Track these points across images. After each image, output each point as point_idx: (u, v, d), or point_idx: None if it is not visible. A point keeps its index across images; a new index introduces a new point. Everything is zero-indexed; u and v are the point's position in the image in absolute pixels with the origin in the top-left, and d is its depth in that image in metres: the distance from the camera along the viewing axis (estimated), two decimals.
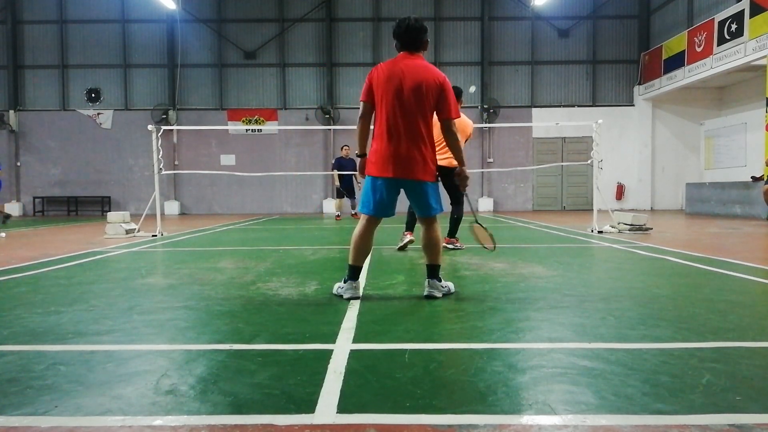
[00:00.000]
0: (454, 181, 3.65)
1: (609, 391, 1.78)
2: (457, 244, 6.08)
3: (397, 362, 2.12)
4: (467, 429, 1.52)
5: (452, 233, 6.09)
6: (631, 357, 2.15)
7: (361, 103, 3.30)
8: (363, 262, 3.43)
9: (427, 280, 3.39)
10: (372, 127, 3.34)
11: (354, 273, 3.37)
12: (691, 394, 1.75)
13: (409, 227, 6.15)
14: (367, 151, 3.38)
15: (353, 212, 13.04)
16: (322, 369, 2.02)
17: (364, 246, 3.36)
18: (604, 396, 1.74)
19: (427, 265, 3.41)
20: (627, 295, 3.42)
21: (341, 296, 3.35)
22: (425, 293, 3.35)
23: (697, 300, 3.26)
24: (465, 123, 5.94)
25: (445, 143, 5.57)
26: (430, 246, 3.40)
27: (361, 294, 3.37)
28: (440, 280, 3.42)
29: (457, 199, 6.00)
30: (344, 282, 3.40)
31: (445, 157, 5.63)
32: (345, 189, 12.79)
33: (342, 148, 12.98)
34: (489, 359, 2.14)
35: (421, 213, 3.39)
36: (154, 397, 1.77)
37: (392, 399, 1.74)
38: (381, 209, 3.32)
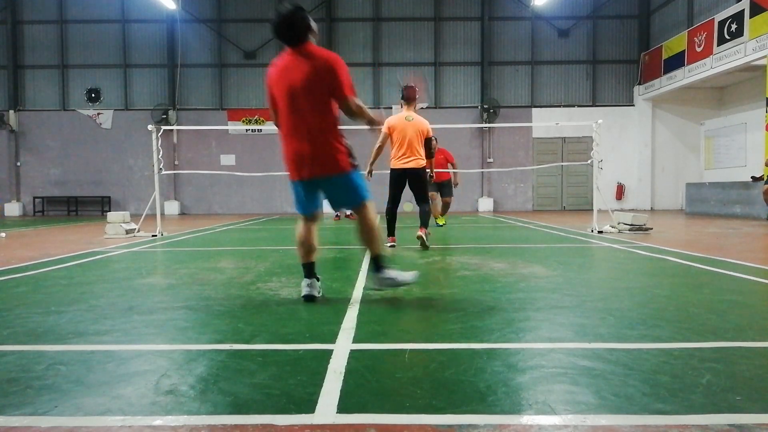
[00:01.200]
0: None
1: (609, 391, 1.78)
2: (423, 234, 6.09)
3: (397, 362, 2.12)
4: (467, 429, 1.52)
5: (424, 224, 6.18)
6: (631, 357, 2.15)
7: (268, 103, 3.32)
8: (310, 259, 3.31)
9: (372, 274, 3.29)
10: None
11: (307, 271, 3.30)
12: (691, 394, 1.75)
13: (390, 233, 6.27)
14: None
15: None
16: (322, 369, 2.02)
17: (304, 244, 3.30)
18: (604, 396, 1.74)
19: (371, 258, 3.30)
20: (627, 295, 3.42)
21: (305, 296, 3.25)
22: (374, 286, 3.31)
23: (697, 300, 3.26)
24: (422, 123, 6.10)
25: (409, 151, 5.76)
26: (367, 236, 3.28)
27: (318, 293, 3.28)
28: (385, 269, 3.26)
29: (423, 199, 6.15)
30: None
31: (411, 159, 5.98)
32: None
33: None
34: (489, 359, 2.14)
35: (348, 205, 3.33)
36: (154, 397, 1.77)
37: (392, 399, 1.74)
38: (306, 208, 3.30)
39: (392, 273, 3.29)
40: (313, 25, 3.15)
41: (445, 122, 17.23)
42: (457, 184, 10.77)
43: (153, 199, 8.54)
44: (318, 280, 3.36)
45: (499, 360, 2.13)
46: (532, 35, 18.72)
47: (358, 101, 3.16)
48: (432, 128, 6.25)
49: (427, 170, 6.83)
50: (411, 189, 6.14)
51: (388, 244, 6.17)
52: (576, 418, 1.58)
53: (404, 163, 6.01)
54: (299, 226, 3.33)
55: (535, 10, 17.96)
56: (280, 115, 3.22)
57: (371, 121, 3.36)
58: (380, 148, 6.09)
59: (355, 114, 3.18)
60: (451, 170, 10.81)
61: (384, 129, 5.99)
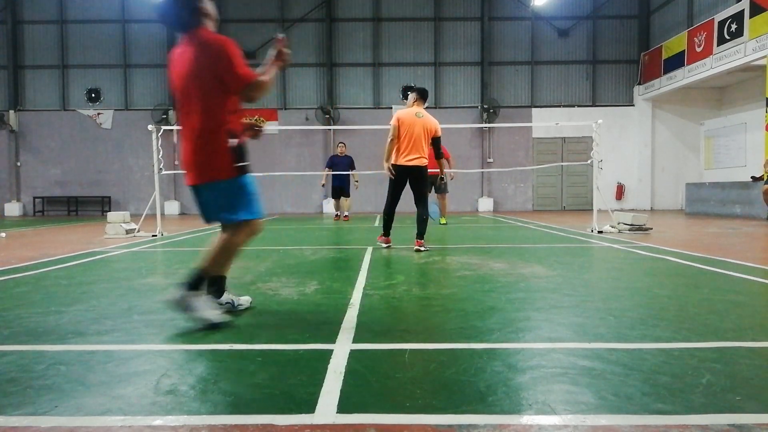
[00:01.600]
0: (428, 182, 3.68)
1: (609, 391, 1.78)
2: (422, 248, 5.86)
3: (397, 362, 2.12)
4: (467, 429, 1.52)
5: (421, 235, 5.93)
6: (631, 357, 2.15)
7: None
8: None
9: (179, 287, 2.65)
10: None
11: (208, 284, 2.83)
12: (691, 394, 1.75)
13: (386, 232, 6.24)
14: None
15: (345, 213, 12.62)
16: (322, 369, 2.02)
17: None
18: (604, 396, 1.74)
19: (196, 271, 2.68)
20: (627, 295, 3.42)
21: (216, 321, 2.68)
22: (171, 302, 2.66)
23: (697, 300, 3.26)
24: (432, 121, 6.05)
25: (414, 148, 5.64)
26: (217, 254, 2.71)
27: (219, 318, 2.69)
28: (196, 296, 2.64)
29: (422, 201, 5.96)
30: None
31: (415, 157, 5.85)
32: (338, 187, 12.15)
33: (338, 145, 12.70)
34: (489, 359, 2.14)
35: (227, 219, 2.73)
36: (154, 397, 1.77)
37: (392, 399, 1.74)
38: (203, 216, 2.84)
39: (200, 305, 2.64)
40: (208, 7, 2.71)
41: (445, 122, 17.19)
42: (453, 177, 10.69)
43: (153, 199, 8.54)
44: (221, 292, 2.89)
45: (499, 360, 2.13)
46: (532, 35, 18.72)
47: (258, 77, 2.64)
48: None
49: (441, 176, 6.92)
50: (411, 188, 6.00)
51: (383, 245, 6.13)
52: (576, 418, 1.58)
53: (408, 160, 5.85)
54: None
55: (535, 10, 17.96)
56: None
57: (279, 65, 2.77)
58: (393, 142, 5.91)
59: (256, 89, 2.64)
60: (451, 169, 10.84)
61: (393, 122, 5.94)
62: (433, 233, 8.64)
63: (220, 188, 2.68)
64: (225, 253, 2.74)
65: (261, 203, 2.81)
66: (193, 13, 2.66)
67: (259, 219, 2.79)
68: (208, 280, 2.78)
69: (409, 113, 5.93)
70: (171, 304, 2.65)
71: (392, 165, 5.92)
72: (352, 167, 12.12)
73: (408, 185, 6.02)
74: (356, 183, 12.56)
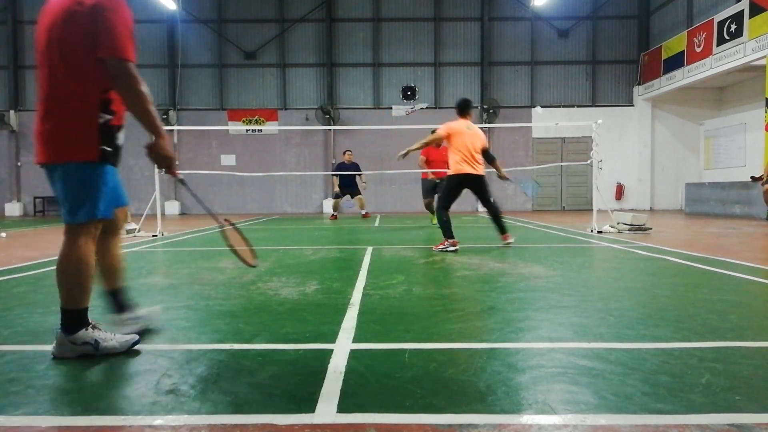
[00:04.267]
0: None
1: (609, 390, 1.78)
2: (511, 240, 6.44)
3: (397, 362, 2.12)
4: (467, 429, 1.52)
5: (503, 230, 6.45)
6: (631, 357, 2.15)
7: None
8: (110, 285, 2.52)
9: (59, 334, 2.17)
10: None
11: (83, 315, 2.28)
12: (691, 394, 1.75)
13: (450, 234, 6.18)
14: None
15: (364, 212, 13.27)
16: (322, 369, 2.02)
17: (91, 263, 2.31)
18: (604, 396, 1.74)
19: (64, 311, 2.21)
20: (627, 295, 3.42)
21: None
22: (56, 352, 2.17)
23: (697, 300, 3.26)
24: (480, 133, 6.30)
25: (472, 157, 5.99)
26: (65, 276, 2.22)
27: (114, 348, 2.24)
28: (81, 328, 2.17)
29: (488, 200, 6.40)
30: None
31: (476, 165, 6.16)
32: (347, 190, 12.88)
33: (344, 153, 13.13)
34: (489, 359, 2.14)
35: (64, 213, 2.28)
36: (155, 397, 1.77)
37: (392, 399, 1.74)
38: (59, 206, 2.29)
39: (98, 335, 2.19)
40: None
41: (445, 122, 17.24)
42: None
43: (153, 199, 8.53)
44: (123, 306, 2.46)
45: (499, 360, 2.14)
46: (531, 35, 18.72)
47: (141, 83, 2.17)
48: (430, 128, 6.44)
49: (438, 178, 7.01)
50: (476, 193, 6.39)
51: (451, 249, 5.97)
52: (576, 418, 1.58)
53: (472, 168, 6.12)
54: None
55: (535, 11, 17.95)
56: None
57: (155, 129, 2.31)
58: (426, 144, 6.28)
59: (128, 88, 2.14)
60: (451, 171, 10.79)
61: (442, 132, 6.16)
62: (433, 233, 8.64)
63: (73, 172, 2.16)
64: (74, 275, 2.18)
65: (110, 200, 2.28)
66: None
67: (102, 220, 2.27)
68: (109, 299, 2.41)
69: (461, 125, 6.19)
70: (59, 357, 2.15)
71: (456, 174, 6.17)
72: (359, 174, 12.82)
73: (472, 192, 6.40)
74: (364, 184, 13.10)
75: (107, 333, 2.24)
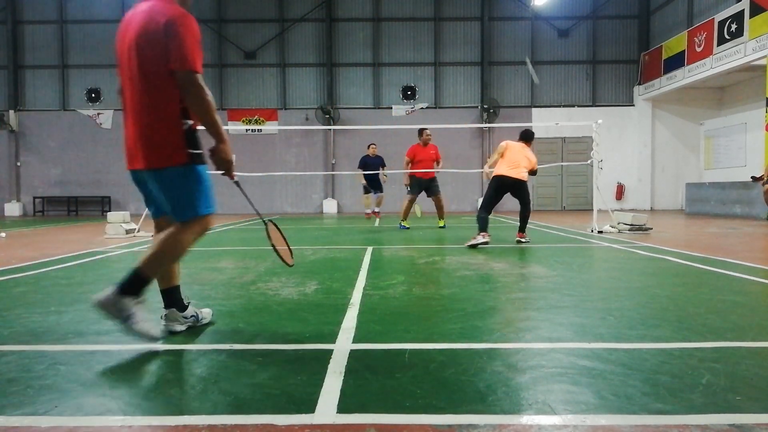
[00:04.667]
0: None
1: (609, 391, 1.78)
2: (524, 239, 6.86)
3: (397, 362, 2.12)
4: (467, 429, 1.52)
5: (522, 229, 6.90)
6: (631, 357, 2.15)
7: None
8: (169, 283, 2.60)
9: (113, 289, 2.29)
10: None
11: (166, 299, 2.63)
12: (691, 394, 1.75)
13: (483, 227, 6.42)
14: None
15: (375, 210, 12.94)
16: (322, 369, 2.02)
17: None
18: (604, 396, 1.74)
19: (134, 272, 2.34)
20: (627, 295, 3.42)
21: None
22: (98, 304, 2.28)
23: (697, 300, 3.26)
24: (533, 155, 6.93)
25: (517, 165, 6.53)
26: (161, 252, 2.35)
27: (182, 327, 2.58)
28: (135, 301, 2.28)
29: (525, 203, 6.87)
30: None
31: (519, 171, 6.64)
32: (371, 185, 12.65)
33: (369, 147, 12.81)
34: (489, 359, 2.14)
35: (174, 213, 2.40)
36: (154, 397, 1.77)
37: (392, 399, 1.74)
38: (150, 208, 2.59)
39: (138, 313, 2.26)
40: None
41: (445, 122, 17.23)
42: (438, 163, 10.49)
43: None
44: (186, 306, 2.62)
45: (499, 360, 2.13)
46: (532, 35, 18.71)
47: (207, 93, 2.34)
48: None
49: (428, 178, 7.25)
50: (515, 196, 6.81)
51: (481, 240, 6.24)
52: (576, 418, 1.58)
53: (514, 171, 6.60)
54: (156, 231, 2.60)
55: (535, 10, 17.95)
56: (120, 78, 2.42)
57: (218, 135, 2.44)
58: (494, 162, 6.86)
59: (191, 95, 2.30)
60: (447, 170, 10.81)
61: (502, 145, 6.85)
62: (434, 234, 8.64)
63: (170, 176, 2.34)
64: (170, 253, 2.36)
65: (214, 196, 2.47)
66: None
67: (212, 215, 2.46)
68: (166, 293, 2.55)
69: (516, 144, 6.91)
70: (98, 307, 2.24)
71: (496, 175, 6.71)
72: (383, 166, 12.50)
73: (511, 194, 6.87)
74: (385, 177, 12.81)
75: (200, 309, 2.70)
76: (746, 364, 2.05)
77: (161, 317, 2.57)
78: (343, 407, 1.67)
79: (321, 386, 1.84)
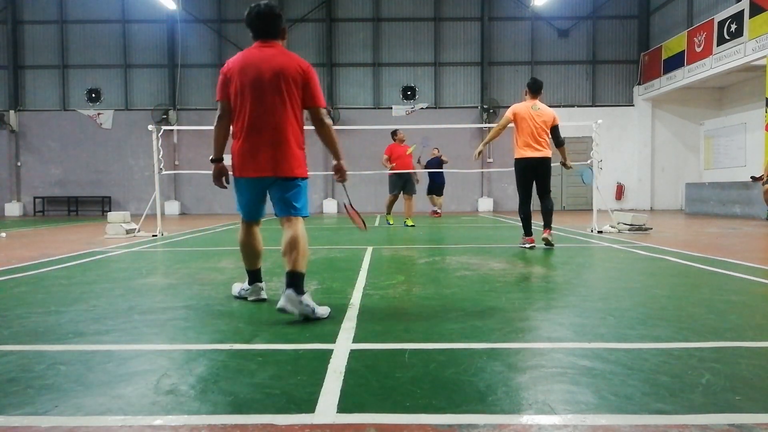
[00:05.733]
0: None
1: (609, 390, 1.78)
2: (552, 237, 6.17)
3: (397, 362, 2.12)
4: (467, 429, 1.52)
5: (549, 225, 6.20)
6: (631, 357, 2.15)
7: (218, 102, 3.04)
8: (256, 265, 3.31)
9: (286, 290, 2.78)
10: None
11: (253, 277, 3.30)
12: (691, 394, 1.75)
13: (528, 232, 6.13)
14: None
15: (435, 210, 13.58)
16: (322, 369, 2.02)
17: (249, 251, 3.26)
18: (604, 396, 1.74)
19: (287, 272, 2.83)
20: (627, 295, 3.42)
21: (244, 298, 3.29)
22: (278, 306, 2.79)
23: (697, 300, 3.26)
24: (548, 112, 6.13)
25: (535, 140, 5.90)
26: (293, 248, 2.89)
27: (265, 296, 3.29)
28: (303, 293, 2.80)
29: (547, 192, 6.20)
30: (249, 285, 3.33)
31: (539, 149, 6.00)
32: (437, 186, 13.32)
33: (433, 150, 13.49)
34: (489, 359, 2.14)
35: (286, 212, 3.02)
36: (155, 397, 1.77)
37: (392, 399, 1.74)
38: (249, 212, 3.18)
39: (310, 301, 2.82)
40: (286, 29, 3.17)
41: (445, 122, 17.23)
42: (418, 181, 11.25)
43: (153, 199, 8.54)
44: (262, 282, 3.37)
45: (499, 360, 2.13)
46: (531, 35, 18.72)
47: (330, 123, 3.15)
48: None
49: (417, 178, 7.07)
50: (536, 179, 6.12)
51: (527, 245, 5.97)
52: (576, 418, 1.58)
53: (534, 150, 5.97)
54: (241, 232, 3.23)
55: (535, 11, 17.95)
56: (237, 110, 2.98)
57: (337, 155, 3.27)
58: (498, 132, 6.20)
59: (326, 129, 3.11)
60: (443, 170, 11.17)
61: (509, 114, 6.13)
62: (434, 234, 8.65)
63: (298, 185, 3.08)
64: (305, 245, 2.99)
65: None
66: (282, 27, 3.08)
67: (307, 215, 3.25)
68: (255, 272, 3.30)
69: (526, 106, 6.05)
70: (289, 310, 2.76)
71: (518, 159, 6.05)
72: (440, 166, 13.06)
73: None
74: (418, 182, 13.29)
75: (323, 308, 2.89)
76: (746, 364, 2.05)
77: (247, 288, 3.35)
78: (343, 407, 1.67)
79: (321, 386, 1.84)
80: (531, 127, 5.97)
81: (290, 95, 2.95)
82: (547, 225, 6.15)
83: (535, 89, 6.18)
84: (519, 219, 6.39)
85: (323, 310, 2.85)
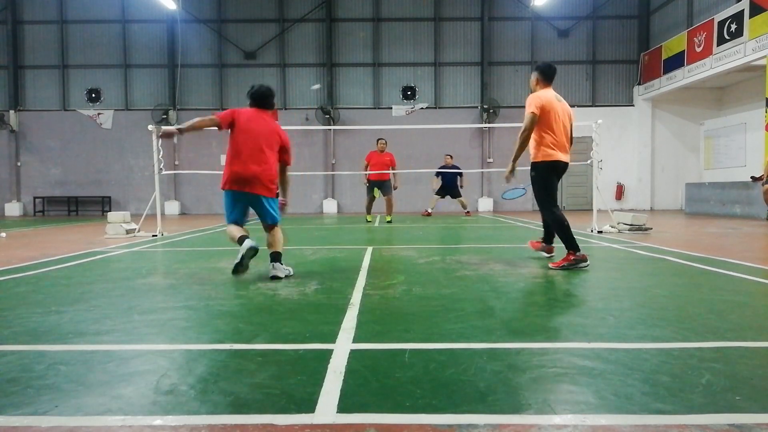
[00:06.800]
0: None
1: (609, 390, 1.78)
2: (553, 254, 5.21)
3: (397, 362, 2.12)
4: (467, 429, 1.52)
5: (549, 239, 5.17)
6: (631, 357, 2.15)
7: (218, 119, 4.23)
8: (243, 233, 4.36)
9: (271, 263, 4.24)
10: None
11: (242, 240, 4.15)
12: (691, 394, 1.75)
13: (548, 240, 5.18)
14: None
15: (466, 211, 14.20)
16: (322, 369, 2.02)
17: (237, 234, 4.28)
18: (604, 396, 1.74)
19: (271, 253, 4.29)
20: (627, 295, 3.42)
21: (243, 257, 4.01)
22: (270, 275, 4.17)
23: (697, 300, 3.26)
24: (567, 105, 5.06)
25: (565, 139, 4.95)
26: (275, 242, 4.36)
27: (255, 244, 4.04)
28: (281, 263, 4.27)
29: (541, 203, 4.99)
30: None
31: (567, 151, 4.89)
32: (450, 191, 13.99)
33: (445, 157, 14.36)
34: (489, 359, 2.14)
35: (270, 220, 4.39)
36: (155, 397, 1.77)
37: (392, 399, 1.74)
38: (235, 215, 4.37)
39: (288, 267, 4.34)
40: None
41: (445, 122, 17.22)
42: (396, 187, 11.87)
43: (153, 199, 8.54)
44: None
45: (499, 360, 2.13)
46: (531, 35, 18.72)
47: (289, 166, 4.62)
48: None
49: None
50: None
51: (582, 264, 4.49)
52: (576, 418, 1.58)
53: (566, 153, 4.82)
54: (231, 228, 4.33)
55: (535, 11, 17.95)
56: (238, 138, 4.26)
57: (286, 194, 4.67)
58: (530, 135, 4.77)
59: (286, 179, 4.61)
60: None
61: (534, 110, 4.72)
62: (434, 233, 8.64)
63: (274, 201, 4.40)
64: (280, 239, 4.39)
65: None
66: (273, 103, 4.58)
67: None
68: (273, 255, 4.34)
69: (551, 98, 4.79)
70: (276, 277, 4.15)
71: (547, 162, 4.74)
72: (459, 173, 14.06)
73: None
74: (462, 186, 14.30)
75: (284, 267, 4.31)
76: (746, 364, 2.05)
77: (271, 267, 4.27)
78: (343, 407, 1.67)
79: (321, 386, 1.84)
80: (561, 123, 4.75)
81: (274, 146, 4.37)
82: (549, 240, 5.19)
83: (550, 76, 4.91)
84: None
85: (290, 269, 4.35)
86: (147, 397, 1.77)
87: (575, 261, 4.47)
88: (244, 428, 1.53)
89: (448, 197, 14.10)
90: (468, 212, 14.34)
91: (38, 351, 2.32)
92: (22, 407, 1.70)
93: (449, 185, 13.98)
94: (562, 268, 4.46)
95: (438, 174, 14.11)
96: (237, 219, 4.34)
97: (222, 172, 4.28)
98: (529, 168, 4.94)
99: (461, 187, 14.12)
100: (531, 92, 4.98)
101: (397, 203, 13.47)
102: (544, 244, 5.24)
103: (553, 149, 4.74)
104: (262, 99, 4.45)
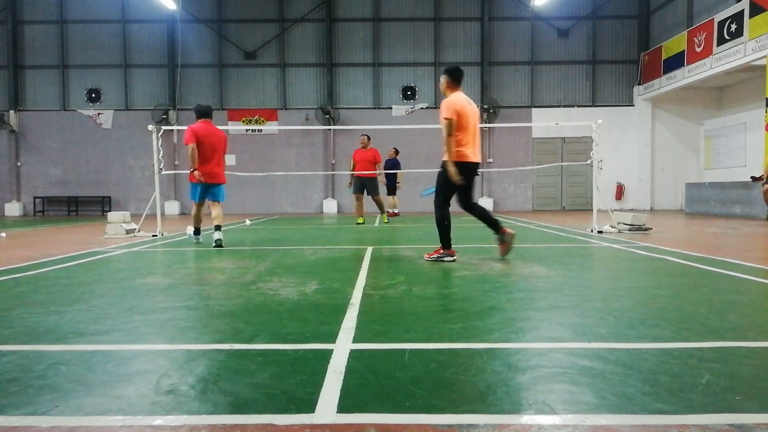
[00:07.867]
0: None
1: (609, 390, 1.78)
2: (509, 235, 5.33)
3: (397, 362, 2.12)
4: (467, 429, 1.52)
5: (497, 227, 5.28)
6: (631, 357, 2.15)
7: (190, 145, 6.49)
8: (200, 225, 7.11)
9: (215, 230, 6.51)
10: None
11: (197, 231, 7.14)
12: (691, 394, 1.75)
13: (495, 229, 5.31)
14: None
15: (394, 211, 13.13)
16: (322, 369, 2.02)
17: (200, 218, 7.04)
18: (604, 396, 1.74)
19: (216, 225, 6.63)
20: (627, 295, 3.42)
21: (197, 242, 6.86)
22: (215, 238, 6.49)
23: (697, 300, 3.26)
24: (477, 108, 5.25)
25: (477, 141, 5.22)
26: (219, 215, 6.76)
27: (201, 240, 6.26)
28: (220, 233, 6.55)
29: (471, 199, 5.25)
30: (195, 234, 7.18)
31: (478, 152, 5.15)
32: (390, 186, 13.10)
33: (389, 151, 13.62)
34: (489, 359, 2.14)
35: (220, 199, 6.82)
36: (155, 397, 1.77)
37: (392, 399, 1.74)
38: (200, 198, 6.82)
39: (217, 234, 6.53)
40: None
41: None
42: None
43: (153, 199, 8.54)
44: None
45: (499, 360, 2.13)
46: (531, 35, 18.73)
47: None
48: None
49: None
50: (466, 188, 5.12)
51: (448, 258, 5.07)
52: (576, 418, 1.58)
53: (476, 154, 5.04)
54: (195, 209, 7.00)
55: (535, 11, 17.96)
56: (203, 149, 6.58)
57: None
58: (452, 140, 4.89)
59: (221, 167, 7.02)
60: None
61: (449, 114, 4.84)
62: (433, 234, 8.64)
63: (222, 187, 6.82)
64: (221, 214, 6.66)
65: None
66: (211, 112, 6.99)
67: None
68: (199, 229, 7.07)
69: (464, 101, 4.99)
70: (219, 245, 6.34)
71: (458, 162, 4.91)
72: (397, 167, 13.30)
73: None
74: (399, 183, 13.50)
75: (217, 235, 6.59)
76: (746, 364, 2.05)
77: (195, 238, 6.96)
78: (343, 407, 1.67)
79: (321, 386, 1.84)
80: (473, 125, 4.97)
81: (224, 149, 6.90)
82: (497, 228, 5.26)
83: (459, 78, 5.07)
84: (504, 218, 6.28)
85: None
86: (147, 397, 1.77)
87: (442, 255, 5.13)
88: (244, 428, 1.53)
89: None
90: (396, 213, 13.12)
91: (38, 351, 2.32)
92: (22, 407, 1.70)
93: (391, 183, 12.99)
94: (433, 259, 5.11)
95: (387, 167, 13.01)
96: (201, 198, 6.86)
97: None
98: (440, 165, 5.10)
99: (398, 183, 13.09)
100: (443, 96, 5.19)
101: (398, 203, 13.49)
102: (498, 236, 5.35)
103: (465, 150, 4.99)
104: (209, 112, 6.86)
